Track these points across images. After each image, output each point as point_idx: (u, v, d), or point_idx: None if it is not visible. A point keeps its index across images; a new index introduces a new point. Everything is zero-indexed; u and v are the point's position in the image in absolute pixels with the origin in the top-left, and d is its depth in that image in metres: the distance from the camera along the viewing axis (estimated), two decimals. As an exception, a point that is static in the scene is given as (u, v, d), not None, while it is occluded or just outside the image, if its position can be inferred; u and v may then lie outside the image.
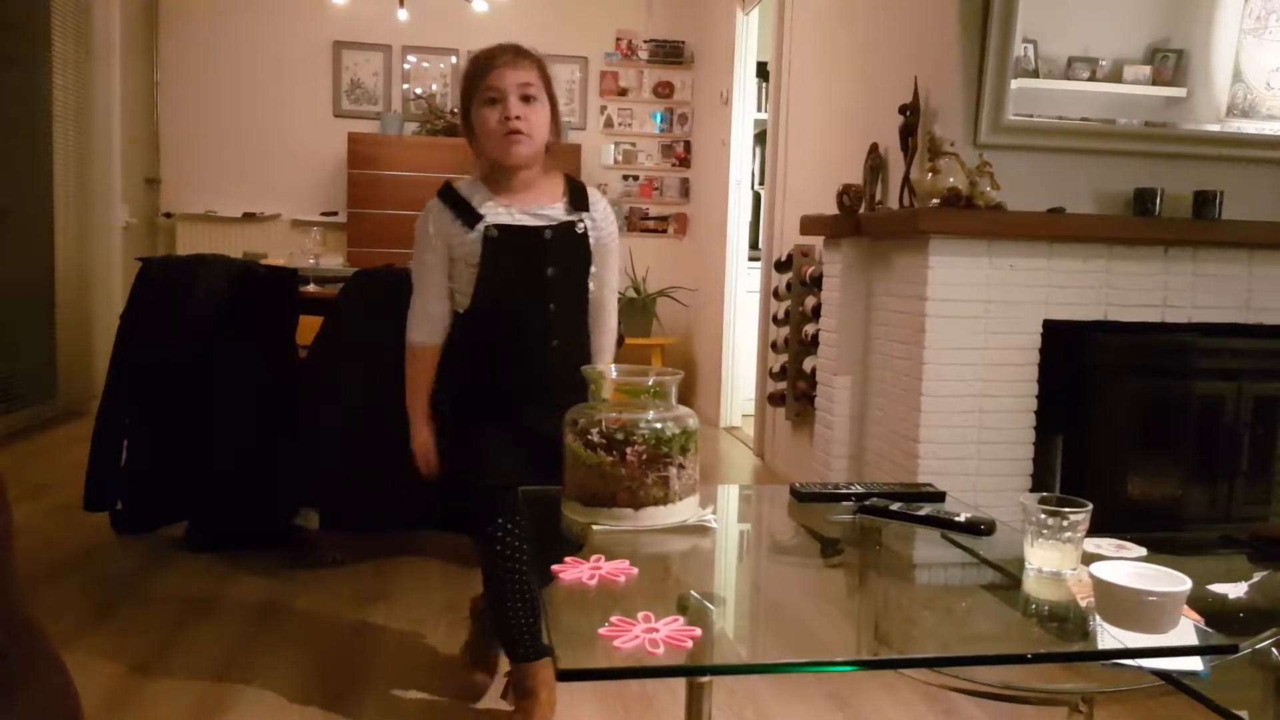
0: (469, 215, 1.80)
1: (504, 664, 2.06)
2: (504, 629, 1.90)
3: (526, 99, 1.76)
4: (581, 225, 1.85)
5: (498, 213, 1.80)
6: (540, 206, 1.83)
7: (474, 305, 1.83)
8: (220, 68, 6.10)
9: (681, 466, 1.33)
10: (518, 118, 1.74)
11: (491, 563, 1.84)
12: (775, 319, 4.23)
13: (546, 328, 1.84)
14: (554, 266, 1.82)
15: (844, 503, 1.53)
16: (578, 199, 1.87)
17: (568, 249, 1.84)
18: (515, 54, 1.79)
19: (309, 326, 3.02)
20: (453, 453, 1.91)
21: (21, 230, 4.66)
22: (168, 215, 6.13)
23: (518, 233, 1.79)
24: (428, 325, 1.88)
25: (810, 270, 3.84)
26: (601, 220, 1.90)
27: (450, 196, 1.83)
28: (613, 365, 1.45)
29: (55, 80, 4.90)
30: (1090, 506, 1.19)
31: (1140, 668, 1.19)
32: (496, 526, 1.79)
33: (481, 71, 1.78)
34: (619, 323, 2.09)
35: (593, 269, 1.90)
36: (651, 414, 1.34)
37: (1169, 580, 1.05)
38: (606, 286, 1.96)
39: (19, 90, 4.63)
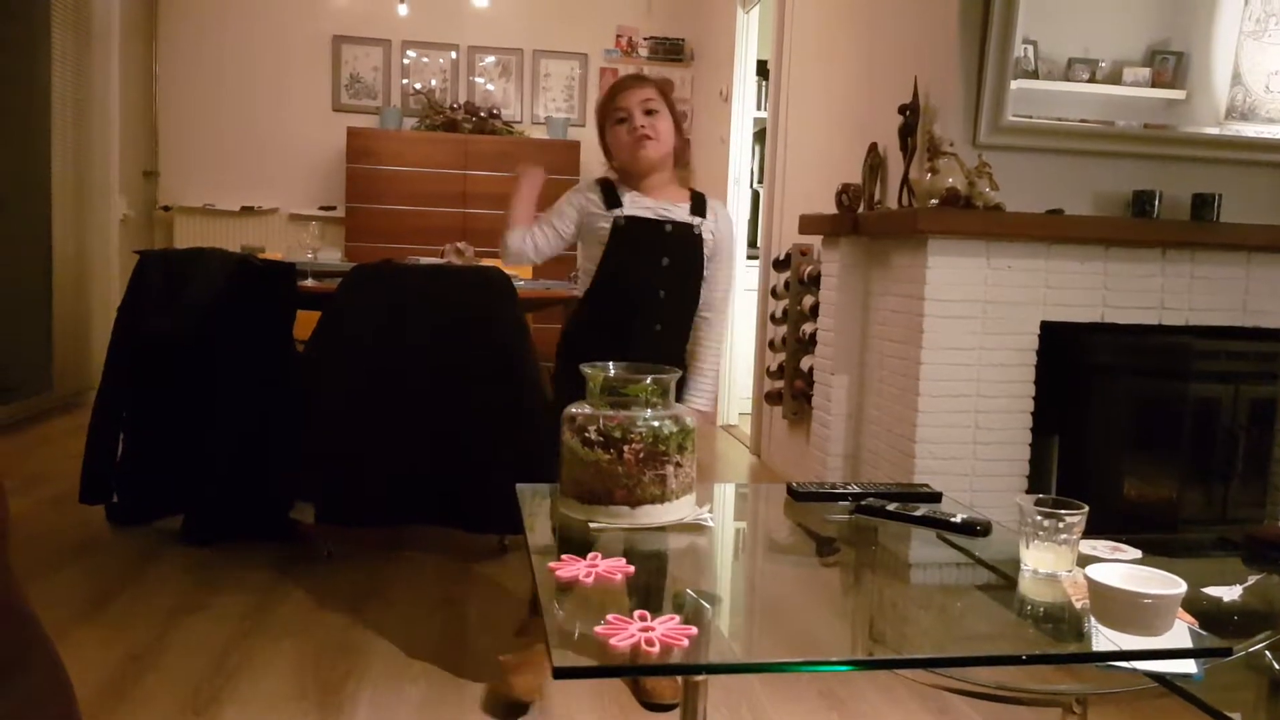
0: (612, 201, 2.03)
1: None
2: None
3: (649, 112, 2.02)
4: (699, 228, 2.06)
5: (633, 205, 2.03)
6: (667, 205, 2.06)
7: (595, 284, 2.05)
8: (220, 60, 6.09)
9: (678, 464, 1.33)
10: (643, 125, 2.01)
11: None
12: (773, 317, 4.23)
13: (656, 311, 2.05)
14: (669, 257, 2.03)
15: (840, 502, 1.54)
16: (698, 206, 2.09)
17: (684, 245, 2.05)
18: (637, 79, 2.09)
19: (307, 321, 3.01)
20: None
21: (19, 222, 4.65)
22: (165, 208, 6.12)
23: (642, 223, 2.03)
24: (529, 241, 2.08)
25: (808, 269, 3.84)
26: (718, 226, 2.11)
27: (603, 182, 2.08)
28: (610, 364, 1.45)
29: (54, 71, 4.88)
30: (1086, 508, 1.20)
31: (1134, 670, 1.19)
32: None
33: (610, 98, 2.07)
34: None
35: (706, 272, 2.10)
36: (649, 412, 1.34)
37: (1164, 582, 1.05)
38: (717, 287, 2.15)
39: (17, 80, 4.61)
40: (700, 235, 2.07)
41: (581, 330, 2.11)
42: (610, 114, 2.06)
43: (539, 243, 2.08)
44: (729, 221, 2.15)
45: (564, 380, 2.08)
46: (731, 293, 2.21)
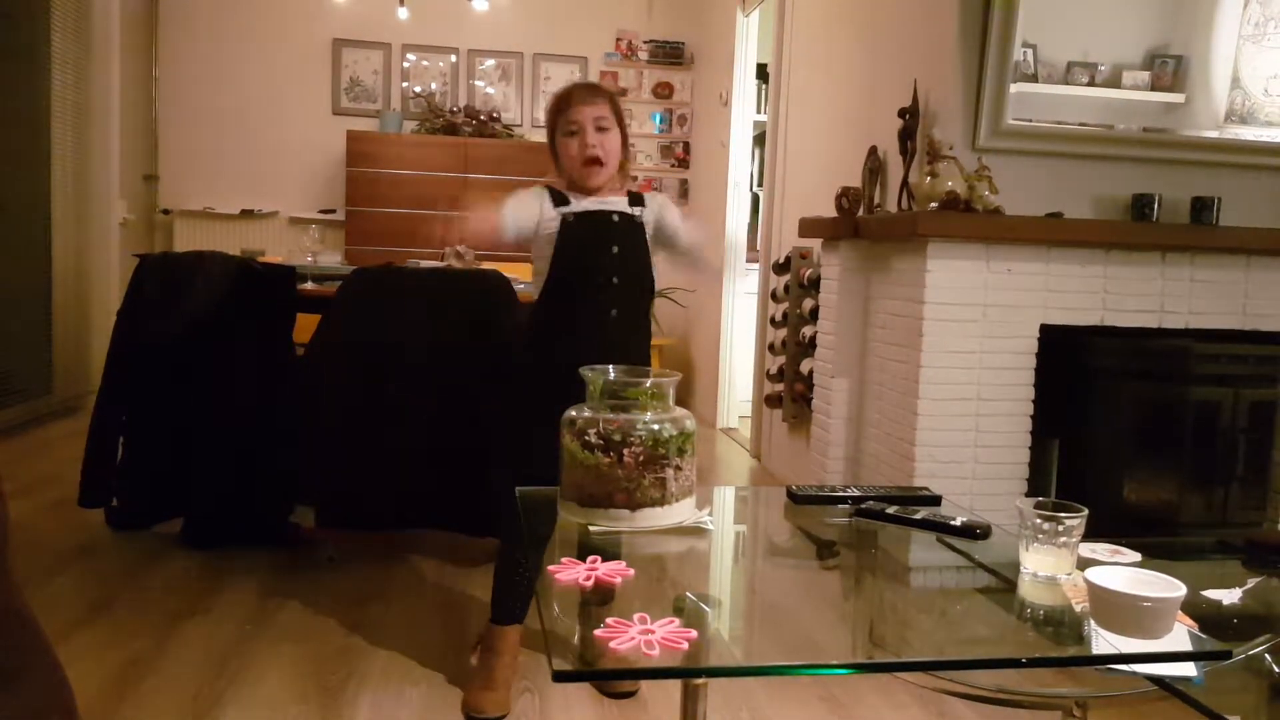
0: (560, 202, 2.09)
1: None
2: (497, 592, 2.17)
3: (601, 129, 2.08)
4: (639, 217, 2.13)
5: (579, 205, 2.10)
6: (610, 201, 2.13)
7: (549, 279, 2.08)
8: (219, 64, 6.10)
9: (678, 468, 1.33)
10: (594, 145, 2.06)
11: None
12: (773, 321, 4.23)
13: (610, 297, 2.08)
14: (618, 245, 2.09)
15: (840, 505, 1.54)
16: (636, 199, 2.18)
17: (630, 233, 2.11)
18: (590, 91, 2.13)
19: (306, 324, 3.02)
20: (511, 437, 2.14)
21: (19, 225, 4.65)
22: (165, 211, 6.12)
23: (590, 215, 2.09)
24: (511, 217, 2.10)
25: (808, 272, 3.84)
26: (654, 206, 2.19)
27: (550, 189, 2.13)
28: (610, 367, 1.45)
29: (54, 75, 4.89)
30: (1086, 511, 1.19)
31: (1134, 673, 1.19)
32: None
33: (562, 108, 2.11)
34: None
35: (659, 253, 2.20)
36: (649, 415, 1.34)
37: (1164, 585, 1.05)
38: (681, 238, 2.22)
39: (18, 85, 4.62)
40: (641, 223, 2.13)
41: (540, 328, 2.13)
42: (562, 124, 2.10)
43: (520, 216, 2.11)
44: (661, 201, 2.22)
45: (533, 384, 2.09)
46: (698, 234, 2.30)
